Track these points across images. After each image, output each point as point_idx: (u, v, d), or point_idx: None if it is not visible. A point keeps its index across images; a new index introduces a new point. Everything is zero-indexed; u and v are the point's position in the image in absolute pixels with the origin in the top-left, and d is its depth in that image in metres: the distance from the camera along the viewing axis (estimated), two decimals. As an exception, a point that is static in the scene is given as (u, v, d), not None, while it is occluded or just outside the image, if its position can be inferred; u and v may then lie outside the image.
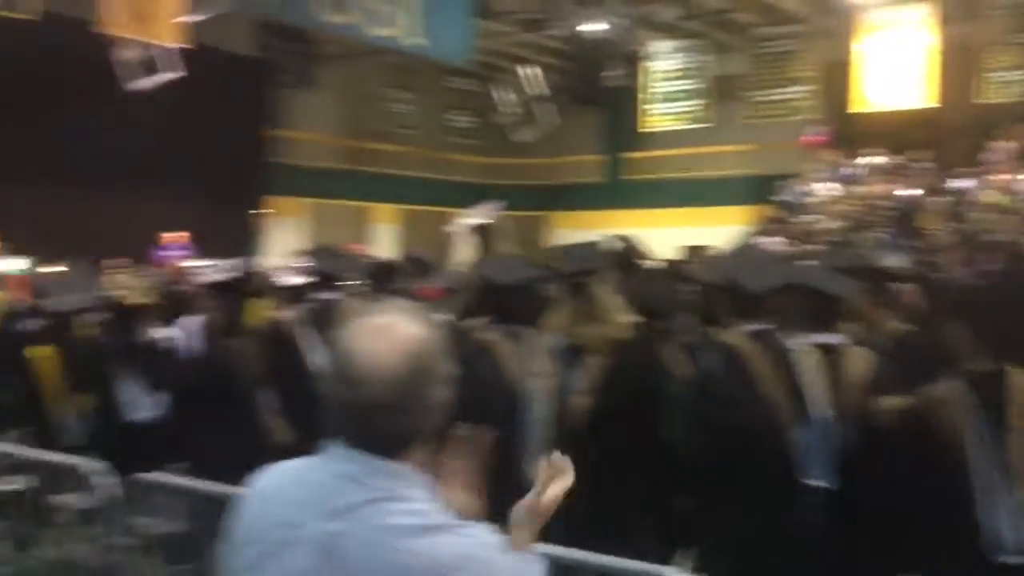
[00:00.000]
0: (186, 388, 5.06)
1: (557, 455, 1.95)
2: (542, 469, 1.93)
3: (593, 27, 17.70)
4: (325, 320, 5.66)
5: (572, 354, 4.22)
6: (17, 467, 4.88)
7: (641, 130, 23.31)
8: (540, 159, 24.98)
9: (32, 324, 6.67)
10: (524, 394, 3.80)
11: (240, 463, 4.42)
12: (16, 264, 13.98)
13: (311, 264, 6.56)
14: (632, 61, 21.22)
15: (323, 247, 7.12)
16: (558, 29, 18.64)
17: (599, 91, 19.29)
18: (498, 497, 2.30)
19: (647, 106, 22.82)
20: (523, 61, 22.37)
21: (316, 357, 5.54)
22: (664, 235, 12.80)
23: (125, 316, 5.55)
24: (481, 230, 5.73)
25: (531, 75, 21.85)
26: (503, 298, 4.01)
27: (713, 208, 21.27)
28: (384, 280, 6.49)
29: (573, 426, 4.00)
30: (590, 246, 5.08)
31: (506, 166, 25.59)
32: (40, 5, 13.93)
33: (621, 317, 4.28)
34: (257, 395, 5.26)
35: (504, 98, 22.25)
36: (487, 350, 3.85)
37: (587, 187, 24.72)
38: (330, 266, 6.12)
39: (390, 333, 1.63)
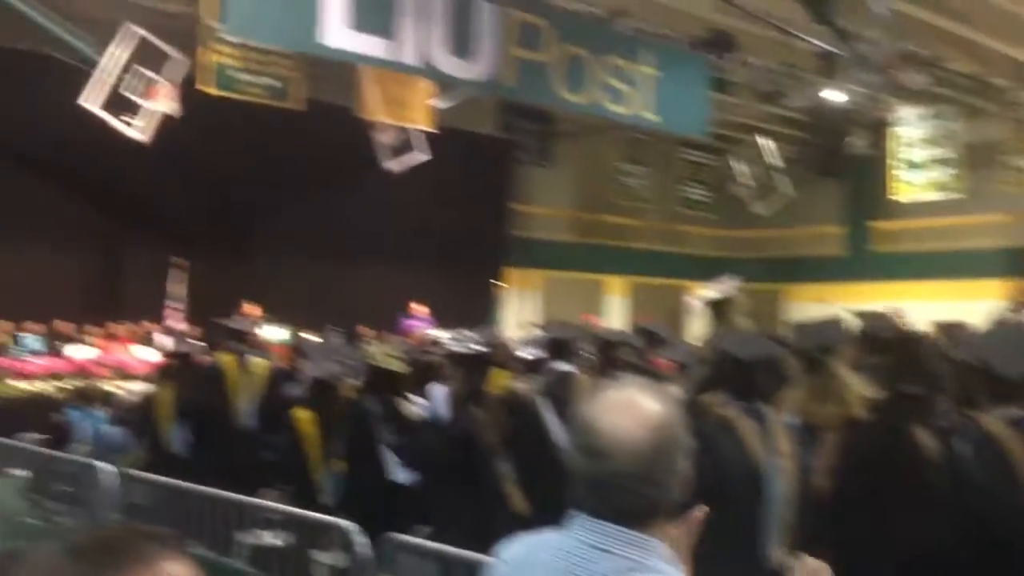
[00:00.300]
0: (432, 453, 5.30)
1: (812, 561, 1.93)
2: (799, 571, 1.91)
3: (835, 95, 17.25)
4: (560, 391, 5.81)
5: (808, 433, 4.10)
6: (279, 524, 5.24)
7: (887, 200, 22.33)
8: (777, 231, 24.43)
9: (295, 388, 7.24)
10: (765, 473, 3.73)
11: (479, 529, 4.60)
12: (278, 333, 15.16)
13: (546, 336, 6.75)
14: (877, 129, 20.44)
15: (556, 320, 7.30)
16: (797, 99, 18.29)
17: (840, 160, 18.72)
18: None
19: (894, 175, 21.84)
20: (760, 132, 22.08)
21: (553, 427, 5.67)
22: (913, 309, 12.15)
23: (381, 382, 5.92)
24: (717, 304, 5.70)
25: (768, 146, 21.52)
26: (741, 373, 3.96)
27: (967, 281, 19.98)
28: (616, 352, 6.59)
29: (813, 508, 3.88)
30: (829, 321, 4.93)
31: (741, 238, 25.20)
32: (305, 95, 15.24)
33: (860, 396, 4.13)
34: (496, 464, 5.42)
35: (740, 169, 22.01)
36: (727, 426, 3.81)
37: (827, 259, 23.90)
38: (564, 338, 6.24)
39: (634, 407, 1.70)
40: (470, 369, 5.48)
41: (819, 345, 4.35)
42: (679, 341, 7.76)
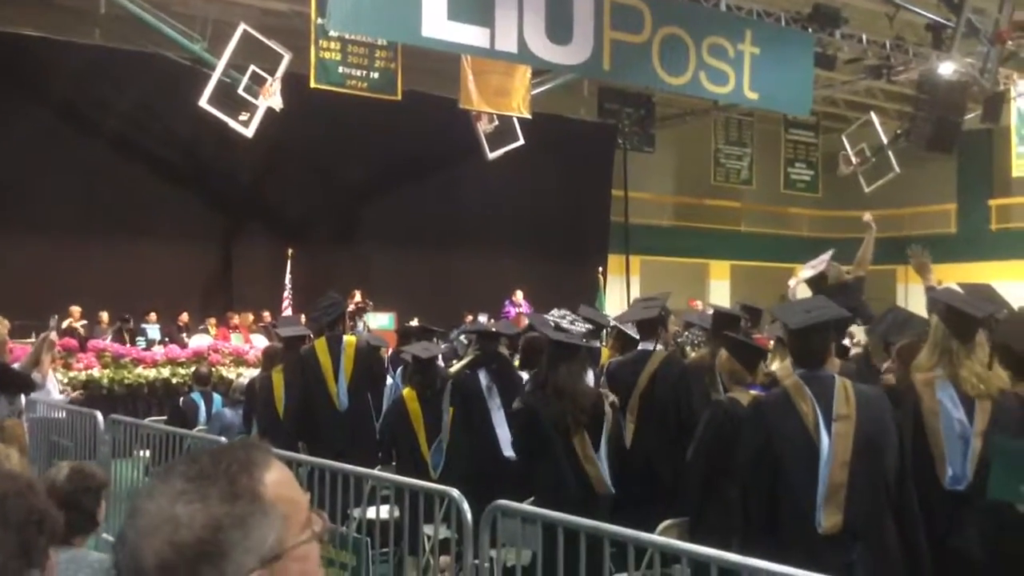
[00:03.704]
0: (523, 432, 5.36)
1: None
2: None
3: (946, 68, 16.61)
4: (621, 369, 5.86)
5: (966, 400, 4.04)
6: (387, 496, 5.41)
7: (1001, 177, 21.49)
8: (885, 210, 23.73)
9: (402, 370, 7.46)
10: (816, 439, 3.77)
11: (568, 507, 4.61)
12: (382, 319, 15.50)
13: (630, 315, 6.75)
14: (995, 103, 19.53)
15: (643, 298, 7.29)
16: (908, 73, 17.71)
17: (952, 136, 17.99)
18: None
19: (1019, 151, 20.83)
20: (867, 108, 21.48)
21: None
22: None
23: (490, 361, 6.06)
24: (814, 281, 5.63)
25: (876, 123, 20.89)
26: (792, 342, 4.04)
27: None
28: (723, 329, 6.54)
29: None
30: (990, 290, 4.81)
31: (848, 218, 24.57)
32: (404, 86, 15.38)
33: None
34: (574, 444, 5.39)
35: (847, 148, 21.42)
36: (788, 395, 3.85)
37: (940, 238, 23.14)
38: (647, 317, 6.17)
39: None
40: (560, 348, 5.47)
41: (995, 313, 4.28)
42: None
